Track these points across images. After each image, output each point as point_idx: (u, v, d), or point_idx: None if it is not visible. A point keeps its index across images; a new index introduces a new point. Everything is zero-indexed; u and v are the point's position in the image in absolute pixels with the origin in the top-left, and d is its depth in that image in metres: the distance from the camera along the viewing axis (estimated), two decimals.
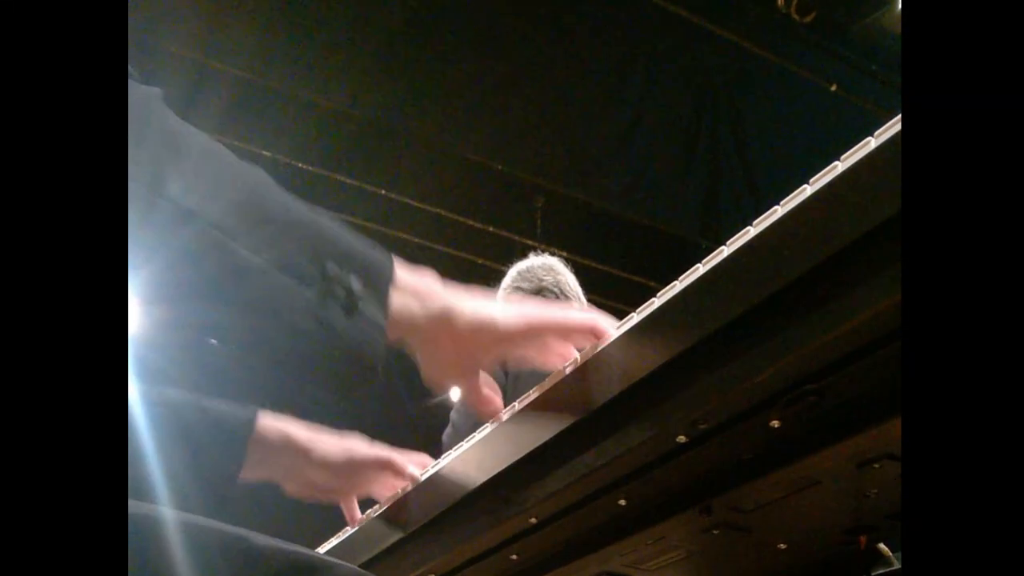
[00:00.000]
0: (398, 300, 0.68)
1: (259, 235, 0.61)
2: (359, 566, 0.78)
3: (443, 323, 0.70)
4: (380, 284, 0.66)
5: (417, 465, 0.92)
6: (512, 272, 2.25)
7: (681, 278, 0.60)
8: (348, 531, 0.97)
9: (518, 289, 2.33)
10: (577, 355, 0.70)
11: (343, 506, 0.99)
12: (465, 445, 0.80)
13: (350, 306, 0.63)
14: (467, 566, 0.84)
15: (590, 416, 0.64)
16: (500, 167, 4.00)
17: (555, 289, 2.15)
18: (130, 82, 0.57)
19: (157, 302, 0.64)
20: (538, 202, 4.26)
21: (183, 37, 3.37)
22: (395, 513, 0.88)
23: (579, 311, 0.74)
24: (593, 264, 4.07)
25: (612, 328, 0.69)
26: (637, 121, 4.31)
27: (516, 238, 4.25)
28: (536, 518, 0.75)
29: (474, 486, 0.76)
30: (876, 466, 0.61)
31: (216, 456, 0.88)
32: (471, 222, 4.09)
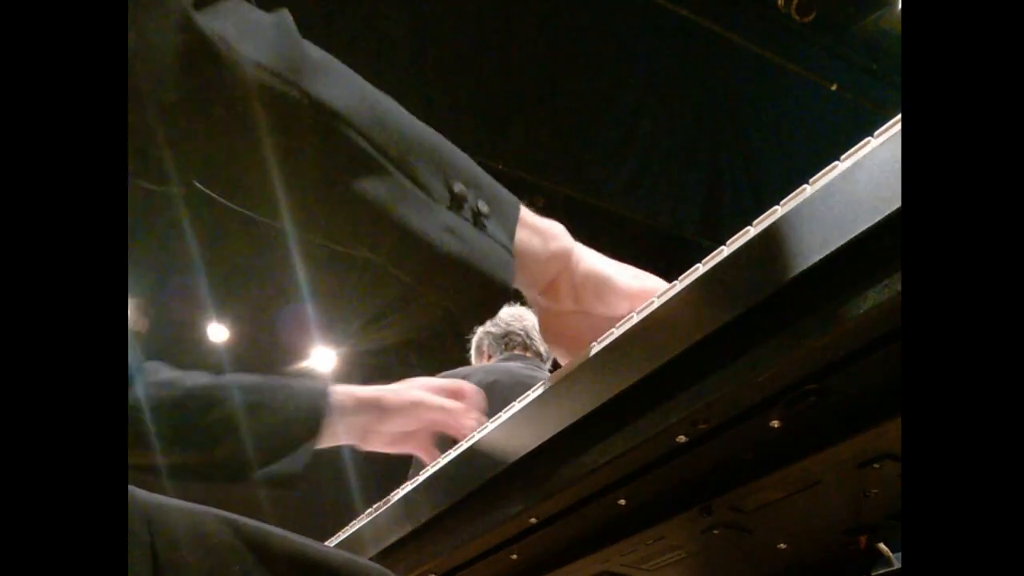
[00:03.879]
0: (523, 234, 0.66)
1: (390, 140, 0.60)
2: None
3: (560, 264, 0.69)
4: (508, 213, 0.65)
5: (473, 399, 0.98)
6: None
7: (681, 278, 0.60)
8: (348, 530, 0.97)
9: (488, 333, 2.37)
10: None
11: (419, 453, 1.02)
12: (465, 445, 0.80)
13: (479, 223, 0.62)
14: (467, 566, 0.84)
15: (590, 416, 0.64)
16: (500, 166, 4.00)
17: (521, 334, 2.26)
18: (258, 10, 0.59)
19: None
20: (538, 201, 4.26)
21: None
22: (395, 512, 0.88)
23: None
24: None
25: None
26: (638, 120, 4.31)
27: None
28: (536, 518, 0.75)
29: (474, 485, 0.76)
30: (876, 466, 0.61)
31: (293, 429, 0.91)
32: None
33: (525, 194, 4.20)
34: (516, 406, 0.72)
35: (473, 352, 2.58)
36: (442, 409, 0.98)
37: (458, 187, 0.62)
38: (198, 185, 0.60)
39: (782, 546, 0.77)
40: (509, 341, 2.36)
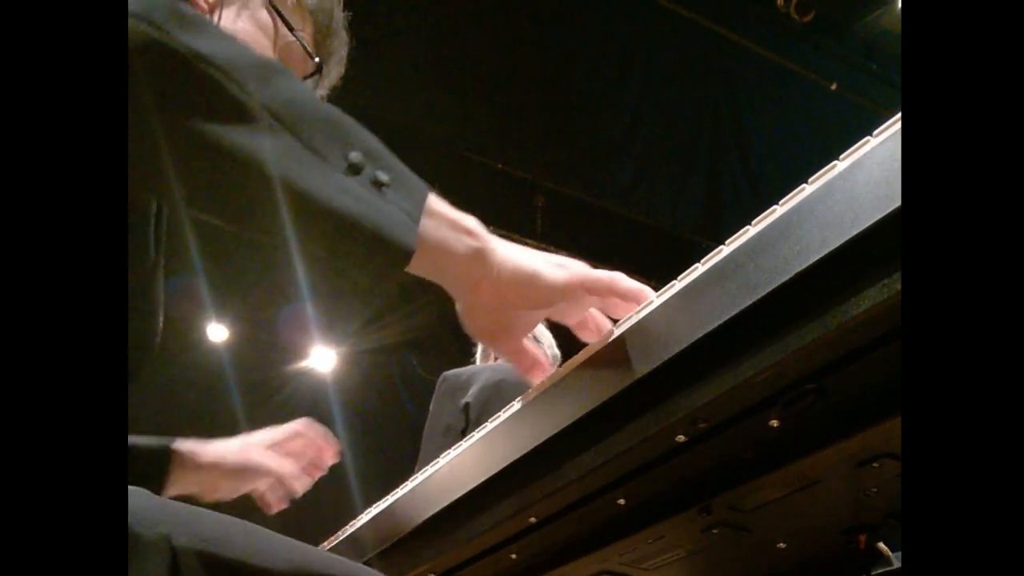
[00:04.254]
0: (434, 228, 0.61)
1: (278, 98, 0.55)
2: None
3: (480, 266, 0.64)
4: (413, 191, 0.60)
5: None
6: None
7: (681, 277, 0.60)
8: (348, 530, 0.97)
9: None
10: (612, 327, 0.67)
11: (261, 505, 1.09)
12: (464, 444, 0.80)
13: (378, 188, 0.57)
14: (467, 565, 0.84)
15: (590, 415, 0.64)
16: (500, 166, 4.00)
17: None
18: None
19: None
20: (538, 201, 4.27)
21: None
22: (395, 512, 0.88)
23: (627, 278, 0.69)
24: (593, 263, 4.05)
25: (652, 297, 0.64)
26: (637, 120, 4.31)
27: (516, 237, 4.24)
28: (536, 517, 0.75)
29: (474, 485, 0.76)
30: (875, 465, 0.61)
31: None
32: None
33: (526, 193, 4.21)
34: (516, 405, 0.72)
35: (479, 352, 2.60)
36: (271, 471, 1.04)
37: (355, 155, 0.57)
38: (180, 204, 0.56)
39: (781, 545, 0.77)
40: None
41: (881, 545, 0.76)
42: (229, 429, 1.09)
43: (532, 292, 0.65)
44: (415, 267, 0.59)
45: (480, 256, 0.64)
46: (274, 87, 0.56)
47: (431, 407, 2.37)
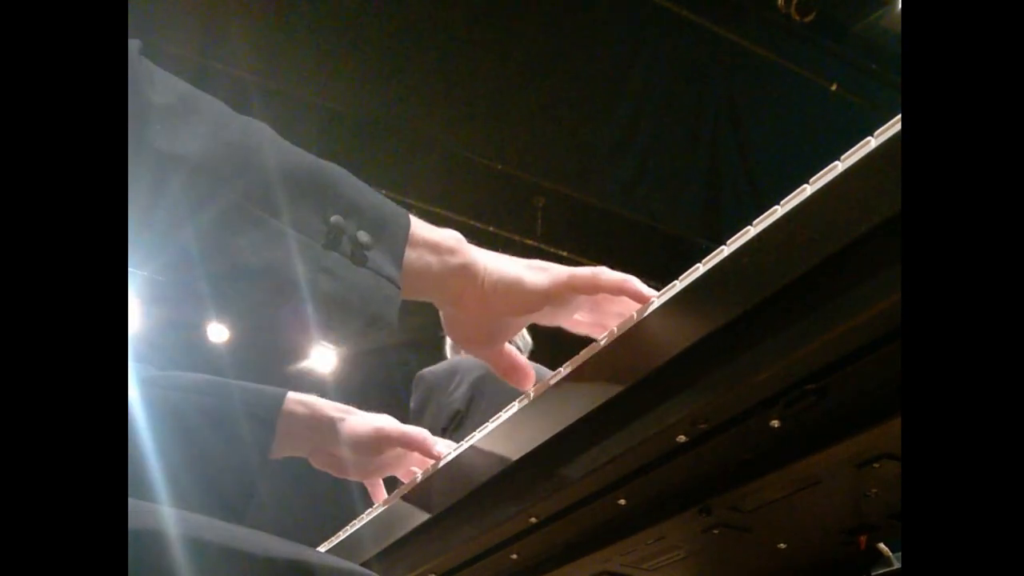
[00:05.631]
0: (413, 254, 0.63)
1: (252, 180, 0.57)
2: (359, 565, 0.78)
3: (464, 280, 0.66)
4: (394, 238, 0.62)
5: (444, 447, 0.91)
6: None
7: (681, 277, 0.60)
8: (348, 530, 0.97)
9: None
10: (614, 329, 0.67)
11: (367, 485, 0.99)
12: (464, 445, 0.80)
13: (358, 258, 0.59)
14: (467, 566, 0.84)
15: (590, 416, 0.64)
16: (500, 167, 4.01)
17: None
18: None
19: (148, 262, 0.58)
20: (539, 201, 4.27)
21: (183, 37, 3.37)
22: (395, 512, 0.88)
23: (610, 271, 0.69)
24: (593, 263, 4.06)
25: (645, 290, 0.65)
26: (637, 120, 4.32)
27: (516, 238, 4.26)
28: (536, 518, 0.75)
29: (473, 486, 0.76)
30: (876, 466, 0.61)
31: (247, 434, 0.88)
32: (471, 222, 4.10)
33: (526, 194, 4.21)
34: (516, 406, 0.72)
35: (448, 345, 2.57)
36: (405, 441, 0.92)
37: (335, 219, 0.59)
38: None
39: (782, 546, 0.77)
40: None
41: (882, 546, 0.76)
42: None
43: (517, 299, 0.67)
44: (403, 294, 0.62)
45: (463, 270, 0.66)
46: (248, 167, 0.57)
47: (412, 406, 2.31)
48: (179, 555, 0.58)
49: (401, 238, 0.63)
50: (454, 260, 0.66)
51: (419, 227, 0.64)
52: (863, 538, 0.73)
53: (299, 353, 4.55)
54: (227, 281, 0.58)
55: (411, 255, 0.63)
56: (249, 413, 0.89)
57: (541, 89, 4.06)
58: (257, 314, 0.60)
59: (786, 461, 0.62)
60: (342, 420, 0.93)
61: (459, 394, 2.23)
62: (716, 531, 0.72)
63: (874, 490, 0.65)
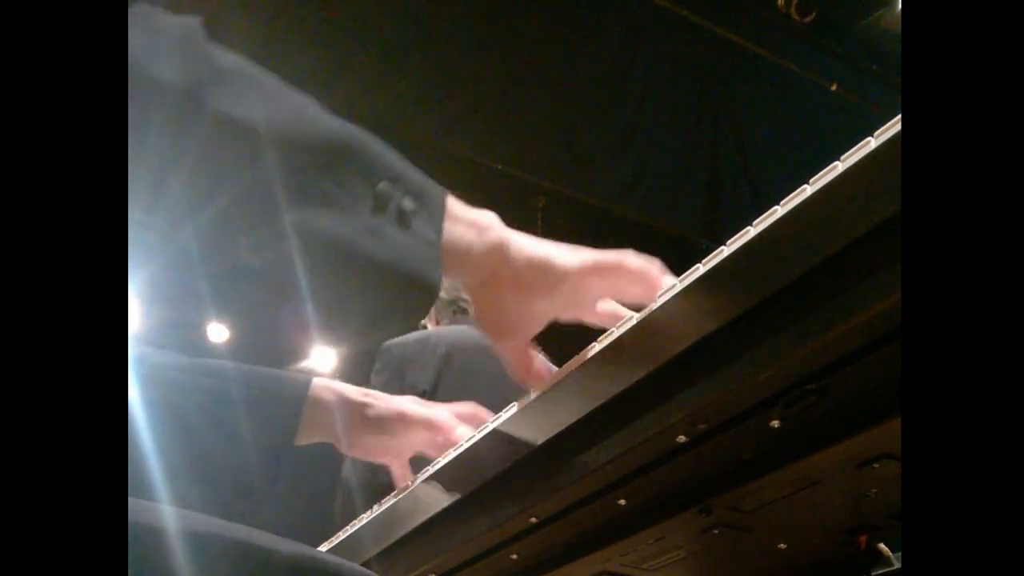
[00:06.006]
0: (453, 229, 0.65)
1: (306, 149, 0.59)
2: (359, 565, 0.78)
3: (500, 256, 0.67)
4: (434, 207, 0.64)
5: (470, 418, 0.92)
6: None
7: (681, 277, 0.60)
8: (348, 530, 0.97)
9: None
10: (627, 314, 0.68)
11: (392, 467, 0.99)
12: (465, 445, 0.80)
13: (404, 223, 0.61)
14: (467, 566, 0.84)
15: (590, 416, 0.64)
16: (500, 166, 4.01)
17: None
18: (165, 13, 0.58)
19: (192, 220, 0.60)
20: (539, 201, 4.27)
21: None
22: (395, 512, 0.88)
23: (636, 254, 0.71)
24: None
25: (664, 276, 0.67)
26: (638, 120, 4.32)
27: None
28: (536, 518, 0.75)
29: (474, 485, 0.76)
30: (876, 466, 0.61)
31: (272, 419, 0.90)
32: None
33: (526, 193, 4.21)
34: (516, 406, 0.72)
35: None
36: (428, 425, 0.93)
37: (382, 186, 0.61)
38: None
39: (782, 546, 0.77)
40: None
41: (881, 546, 0.76)
42: None
43: (546, 276, 0.69)
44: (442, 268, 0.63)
45: (497, 248, 0.67)
46: (302, 132, 0.60)
47: (372, 381, 2.15)
48: (179, 554, 0.58)
49: (440, 208, 0.64)
50: (491, 237, 0.67)
51: (456, 204, 0.66)
52: (863, 538, 0.73)
53: (299, 353, 4.55)
54: (274, 245, 0.59)
55: (452, 230, 0.65)
56: (275, 399, 0.91)
57: (541, 89, 4.07)
58: (320, 285, 0.61)
59: (786, 461, 0.62)
60: (366, 405, 0.95)
61: (429, 370, 2.13)
62: (716, 531, 0.72)
63: (874, 490, 0.65)
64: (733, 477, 0.65)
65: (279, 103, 0.61)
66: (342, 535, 0.98)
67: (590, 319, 0.73)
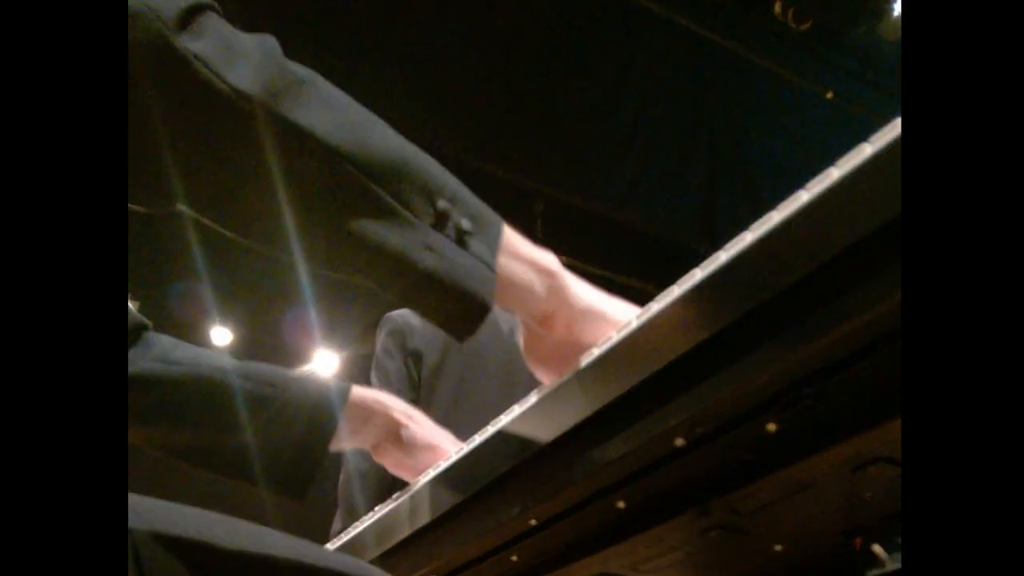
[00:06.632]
0: (514, 265, 0.66)
1: (370, 162, 0.60)
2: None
3: (559, 303, 0.69)
4: (491, 231, 0.65)
5: None
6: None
7: (679, 283, 0.61)
8: (350, 532, 0.97)
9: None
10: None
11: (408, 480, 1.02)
12: (465, 448, 0.81)
13: (461, 242, 0.62)
14: (467, 567, 0.85)
15: (589, 420, 0.65)
16: (499, 172, 4.01)
17: None
18: (239, 33, 0.60)
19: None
20: (538, 207, 4.27)
21: None
22: (397, 514, 0.89)
23: None
24: (592, 268, 4.07)
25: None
26: (635, 127, 4.32)
27: None
28: (536, 520, 0.75)
29: (475, 488, 0.77)
30: (872, 469, 0.61)
31: (312, 422, 0.92)
32: None
33: (525, 199, 4.21)
34: (516, 410, 0.73)
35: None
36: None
37: (442, 204, 0.63)
38: (184, 209, 0.61)
39: (778, 548, 0.78)
40: None
41: (877, 547, 0.77)
42: None
43: (601, 325, 0.70)
44: (499, 301, 0.65)
45: (556, 293, 0.69)
46: (369, 146, 0.61)
47: (377, 350, 2.14)
48: (183, 552, 0.58)
49: (496, 233, 0.66)
50: (553, 282, 0.69)
51: (514, 236, 0.68)
52: (858, 540, 0.74)
53: (302, 356, 4.55)
54: (335, 253, 0.61)
55: (515, 267, 0.67)
56: (316, 403, 0.93)
57: (540, 95, 4.07)
58: (367, 285, 0.62)
59: (783, 464, 0.62)
60: (405, 427, 1.00)
61: (435, 342, 2.07)
62: (714, 533, 0.72)
63: (869, 493, 0.66)
64: (730, 480, 0.66)
65: (348, 116, 0.63)
66: (345, 536, 0.98)
67: None
